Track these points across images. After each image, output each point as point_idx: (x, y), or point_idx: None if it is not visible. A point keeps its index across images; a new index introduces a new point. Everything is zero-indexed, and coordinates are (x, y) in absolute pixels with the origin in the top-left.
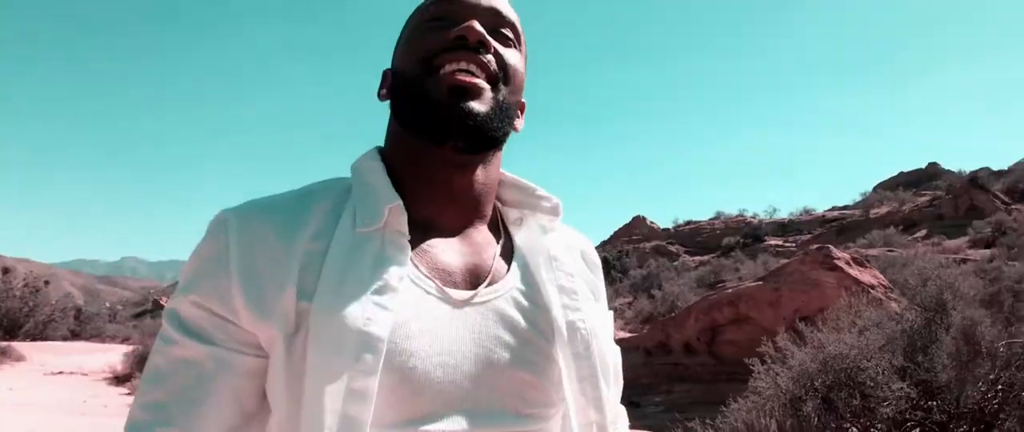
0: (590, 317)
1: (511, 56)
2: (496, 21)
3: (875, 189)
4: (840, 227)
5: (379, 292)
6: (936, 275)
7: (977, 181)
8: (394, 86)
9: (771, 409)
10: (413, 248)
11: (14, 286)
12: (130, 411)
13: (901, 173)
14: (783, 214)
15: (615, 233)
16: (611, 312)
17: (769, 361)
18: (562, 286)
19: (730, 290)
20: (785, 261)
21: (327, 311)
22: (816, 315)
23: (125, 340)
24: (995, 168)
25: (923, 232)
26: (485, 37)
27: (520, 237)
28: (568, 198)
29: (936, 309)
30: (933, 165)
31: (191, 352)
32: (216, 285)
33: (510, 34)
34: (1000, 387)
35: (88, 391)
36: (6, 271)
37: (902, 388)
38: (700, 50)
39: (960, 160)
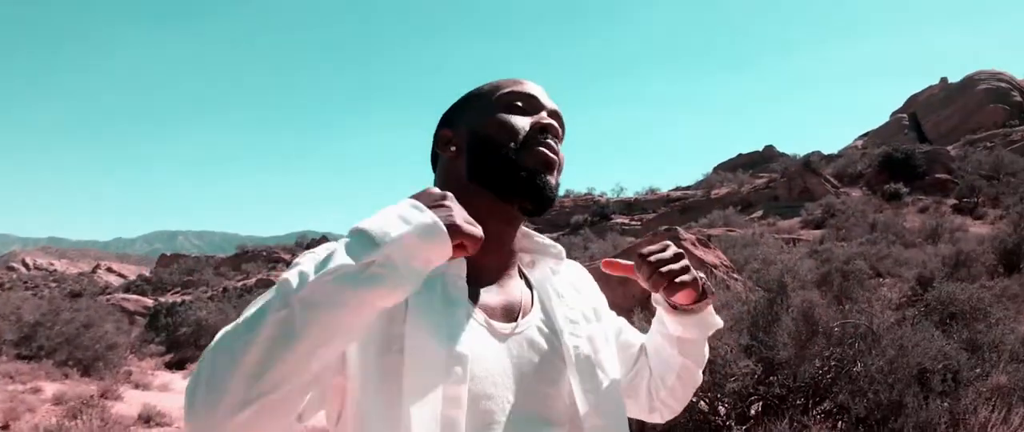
0: (592, 338)
1: (561, 151)
2: (557, 115)
3: (715, 170)
4: (683, 206)
5: (452, 324)
6: (778, 259)
7: (810, 165)
8: (478, 148)
9: None
10: (469, 288)
11: None
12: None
13: (740, 155)
14: (629, 193)
15: None
16: (613, 313)
17: None
18: (568, 317)
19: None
20: (634, 240)
21: (419, 336)
22: None
23: None
24: (826, 152)
25: (760, 212)
26: (561, 134)
27: (534, 277)
28: (425, 176)
29: (778, 290)
30: (769, 148)
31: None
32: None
33: (561, 129)
34: (833, 363)
35: None
36: None
37: (748, 365)
38: (547, 28)
39: (794, 143)
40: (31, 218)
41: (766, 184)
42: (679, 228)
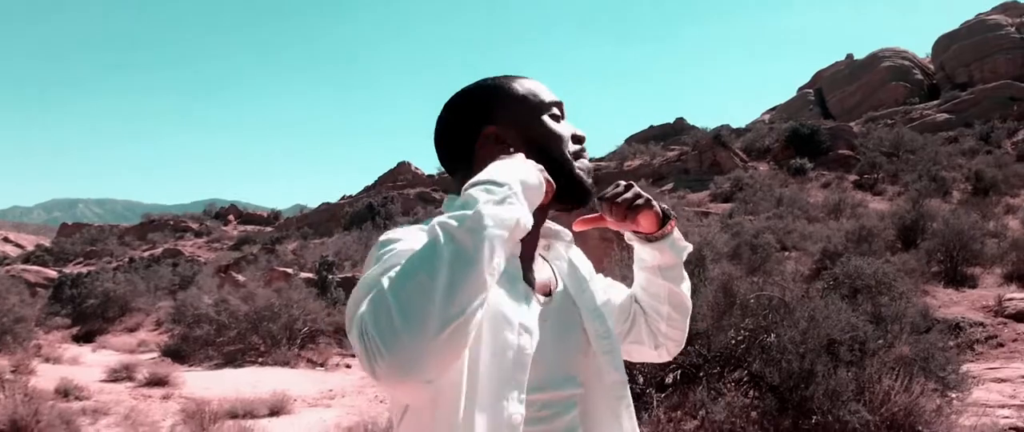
0: (603, 310)
1: None
2: None
3: (628, 141)
4: (597, 178)
5: (516, 297)
6: (696, 231)
7: (719, 139)
8: (534, 152)
9: None
10: None
11: None
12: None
13: (652, 126)
14: None
15: (380, 178)
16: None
17: None
18: (582, 289)
19: None
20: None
21: (498, 307)
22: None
23: None
24: (735, 125)
25: (671, 185)
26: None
27: (551, 257)
28: (333, 144)
29: (697, 263)
30: (680, 120)
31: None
32: None
33: None
34: (747, 333)
35: None
36: None
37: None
38: None
39: (705, 116)
40: None
41: (677, 157)
42: (596, 199)
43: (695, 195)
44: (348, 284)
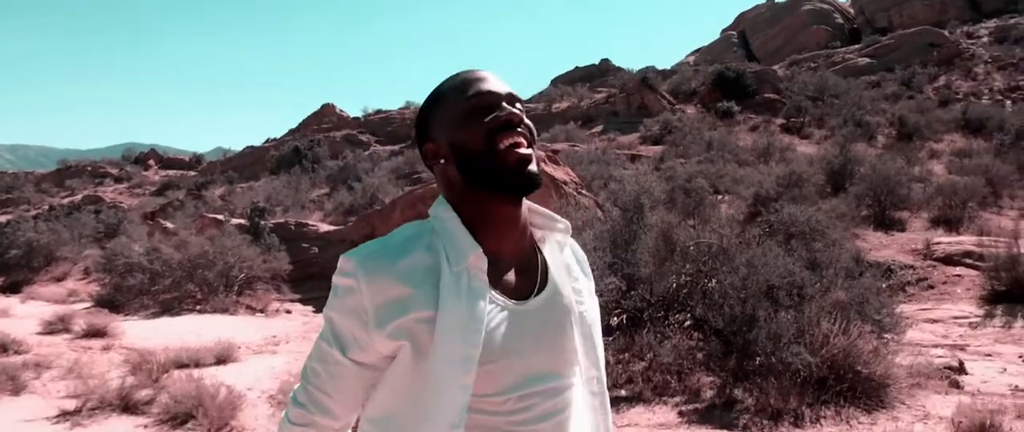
0: (590, 308)
1: (528, 121)
2: (513, 99)
3: (554, 83)
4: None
5: (473, 317)
6: (631, 178)
7: (647, 81)
8: (460, 157)
9: None
10: (489, 273)
11: None
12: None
13: (577, 68)
14: None
15: (304, 121)
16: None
17: None
18: (574, 288)
19: (435, 185)
20: None
21: (447, 329)
22: None
23: None
24: (660, 67)
25: (600, 127)
26: (522, 117)
27: (546, 251)
28: (253, 86)
29: (635, 210)
30: (606, 61)
31: (336, 356)
32: (356, 322)
33: (520, 105)
34: (688, 278)
35: None
36: None
37: (613, 281)
38: None
39: (630, 58)
40: None
41: (606, 99)
42: None
43: (625, 137)
44: (280, 230)
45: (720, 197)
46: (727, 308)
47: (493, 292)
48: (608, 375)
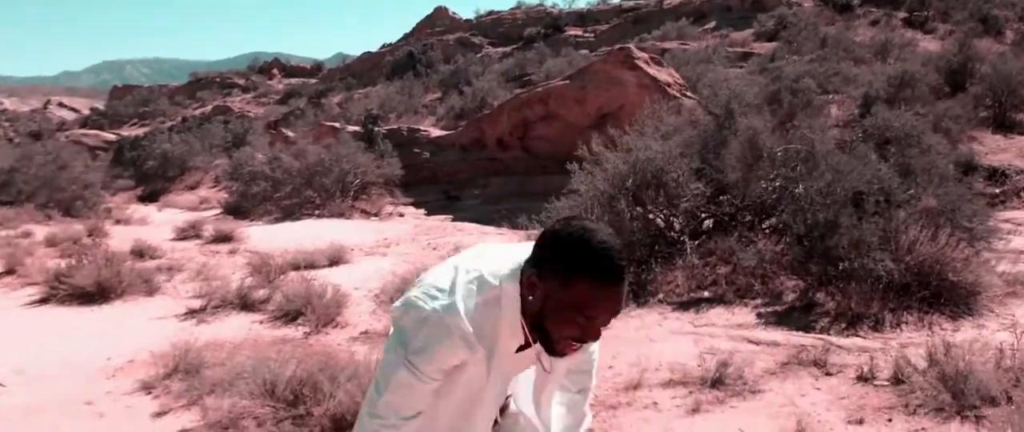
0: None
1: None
2: (607, 320)
3: None
4: (636, 17)
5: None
6: (725, 84)
7: None
8: (539, 317)
9: (590, 207)
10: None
11: None
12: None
13: None
14: (582, 3)
15: (417, 25)
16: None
17: (586, 164)
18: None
19: (540, 88)
20: (591, 59)
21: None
22: (618, 111)
23: None
24: None
25: (713, 24)
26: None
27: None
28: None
29: (726, 116)
30: None
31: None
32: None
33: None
34: (778, 184)
35: None
36: None
37: (698, 187)
38: None
39: None
40: None
41: None
42: (632, 46)
43: (739, 34)
44: (393, 135)
45: (828, 97)
46: (809, 215)
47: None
48: (693, 278)
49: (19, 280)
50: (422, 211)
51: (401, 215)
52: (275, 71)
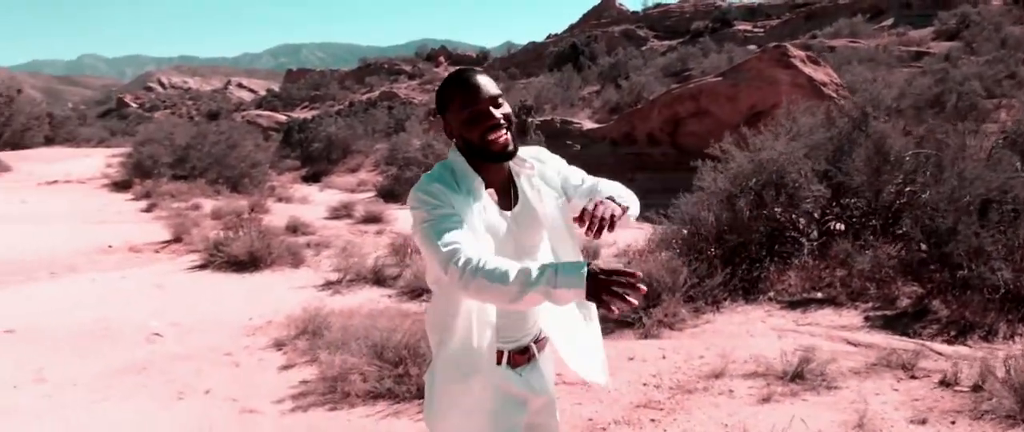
0: (553, 209)
1: (508, 110)
2: (496, 101)
3: None
4: (809, 12)
5: (489, 216)
6: (868, 87)
7: None
8: (465, 141)
9: (710, 203)
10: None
11: None
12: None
13: None
14: None
15: (584, 16)
16: (562, 161)
17: (714, 162)
18: (540, 200)
19: (692, 85)
20: (755, 49)
21: (479, 220)
22: (771, 110)
23: (101, 143)
24: None
25: (890, 20)
26: (500, 118)
27: (521, 181)
28: None
29: (860, 119)
30: None
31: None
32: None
33: (502, 99)
34: (908, 190)
35: (96, 200)
36: None
37: (820, 189)
38: None
39: None
40: (161, 37)
41: None
42: (788, 44)
43: (916, 32)
44: (546, 126)
45: (997, 101)
46: (927, 220)
47: (494, 206)
48: (808, 278)
49: (184, 247)
50: None
51: None
52: (441, 59)
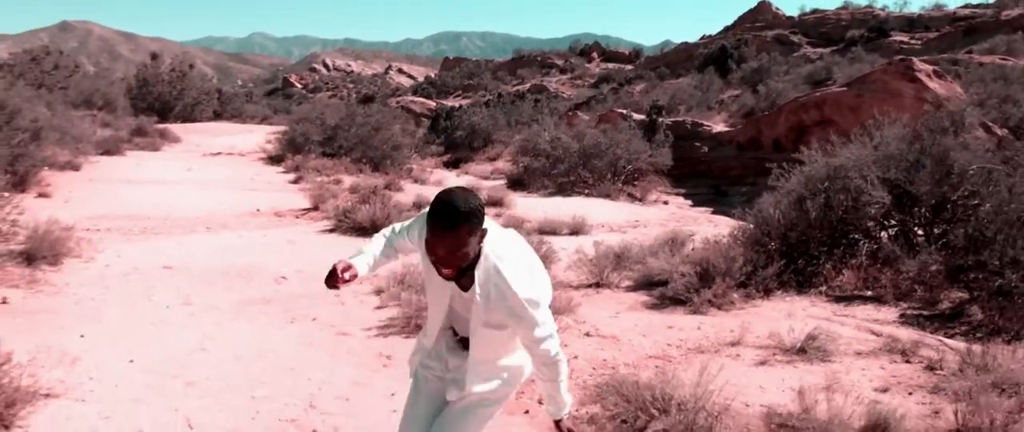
0: (474, 324)
1: (467, 252)
2: (455, 246)
3: None
4: (969, 27)
5: (450, 291)
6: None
7: None
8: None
9: (780, 203)
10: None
11: (162, 71)
12: None
13: None
14: (914, 8)
15: (739, 19)
16: (528, 310)
17: (786, 165)
18: (486, 299)
19: (818, 93)
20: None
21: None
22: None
23: (264, 120)
24: None
25: None
26: (443, 258)
27: (479, 281)
28: None
29: (938, 132)
30: None
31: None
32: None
33: (465, 238)
34: (952, 199)
35: (251, 170)
36: (154, 57)
37: (883, 196)
38: None
39: None
40: (328, 19)
41: None
42: (915, 58)
43: None
44: (677, 128)
45: None
46: (970, 230)
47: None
48: (861, 278)
49: (320, 215)
50: (688, 202)
51: (665, 203)
52: (594, 54)
